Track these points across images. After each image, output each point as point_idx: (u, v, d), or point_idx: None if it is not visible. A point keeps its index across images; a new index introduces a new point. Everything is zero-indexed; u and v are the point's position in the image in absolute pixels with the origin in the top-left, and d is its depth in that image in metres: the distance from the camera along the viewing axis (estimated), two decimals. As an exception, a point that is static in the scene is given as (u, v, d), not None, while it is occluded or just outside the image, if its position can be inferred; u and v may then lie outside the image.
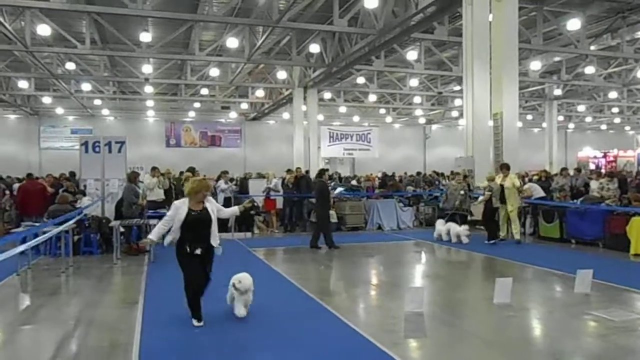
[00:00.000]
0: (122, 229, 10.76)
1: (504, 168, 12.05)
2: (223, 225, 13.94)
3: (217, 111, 34.84)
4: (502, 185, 11.79)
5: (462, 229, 11.93)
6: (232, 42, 17.37)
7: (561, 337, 5.48)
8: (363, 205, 15.48)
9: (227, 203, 13.98)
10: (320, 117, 30.67)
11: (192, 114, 34.15)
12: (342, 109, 33.65)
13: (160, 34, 17.99)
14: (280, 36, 20.01)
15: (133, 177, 11.57)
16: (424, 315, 6.08)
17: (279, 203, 15.15)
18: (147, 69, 21.50)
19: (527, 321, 6.19)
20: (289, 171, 15.81)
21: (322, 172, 12.79)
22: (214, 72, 22.53)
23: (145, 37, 16.33)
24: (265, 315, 6.28)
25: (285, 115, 33.38)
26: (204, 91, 27.83)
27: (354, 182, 20.50)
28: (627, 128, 45.25)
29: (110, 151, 12.49)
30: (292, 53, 20.32)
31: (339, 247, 11.42)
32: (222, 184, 14.52)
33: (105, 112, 32.49)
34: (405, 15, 14.83)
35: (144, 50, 18.35)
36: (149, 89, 26.15)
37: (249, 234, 13.93)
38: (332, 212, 14.81)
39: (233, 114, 34.75)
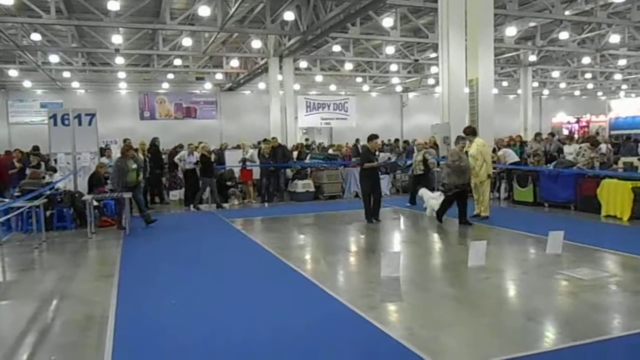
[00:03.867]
0: (95, 203, 10.59)
1: (469, 133, 10.59)
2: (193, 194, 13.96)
3: (191, 82, 34.19)
4: (466, 153, 10.32)
5: (435, 196, 11.98)
6: (204, 11, 16.90)
7: (533, 297, 5.61)
8: (340, 173, 15.50)
9: (191, 174, 13.83)
10: (297, 87, 30.33)
11: (166, 85, 33.45)
12: (319, 78, 33.30)
13: (129, 2, 17.39)
14: (254, 4, 19.54)
15: (125, 150, 11.17)
16: (400, 280, 6.16)
17: (256, 174, 15.05)
18: (117, 39, 20.84)
19: (500, 282, 6.32)
20: (265, 141, 15.67)
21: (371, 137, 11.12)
22: (187, 42, 21.98)
23: (113, 5, 15.76)
24: (241, 283, 6.30)
25: (261, 86, 32.92)
26: (177, 62, 27.17)
27: (331, 151, 20.46)
28: (600, 94, 45.86)
29: (80, 124, 12.19)
30: (266, 21, 19.91)
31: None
32: (184, 154, 14.21)
33: (75, 84, 31.58)
34: (381, -19, 14.61)
35: (112, 20, 17.75)
36: (120, 60, 25.38)
37: (225, 205, 13.86)
38: (309, 182, 14.86)
39: (208, 85, 34.14)
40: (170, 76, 31.39)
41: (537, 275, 6.42)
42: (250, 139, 22.39)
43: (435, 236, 9.78)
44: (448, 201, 10.06)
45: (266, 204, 14.13)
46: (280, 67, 25.40)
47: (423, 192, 12.26)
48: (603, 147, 14.08)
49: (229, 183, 14.65)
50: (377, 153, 11.55)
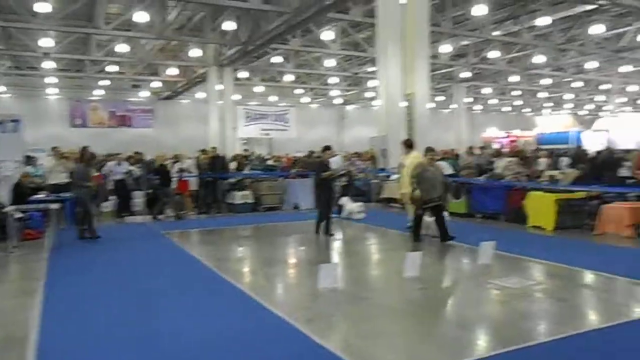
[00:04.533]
0: (19, 215, 9.97)
1: (407, 145, 10.70)
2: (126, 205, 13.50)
3: (126, 89, 33.14)
4: (401, 165, 10.63)
5: (355, 206, 12.35)
6: (141, 17, 16.47)
7: (466, 306, 5.78)
8: (280, 184, 15.44)
9: (121, 185, 13.47)
10: (237, 97, 30.09)
11: (99, 92, 32.25)
12: (259, 89, 33.21)
13: (61, 5, 16.68)
14: (194, 12, 19.29)
15: (86, 157, 10.68)
16: (338, 291, 6.17)
17: (193, 184, 14.71)
18: (46, 42, 19.91)
19: (435, 292, 6.47)
20: (203, 151, 15.39)
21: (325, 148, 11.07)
22: (122, 48, 21.30)
23: (43, 7, 15.04)
24: (174, 298, 6.10)
25: (200, 95, 32.41)
26: (112, 68, 26.28)
27: (270, 162, 20.37)
28: (527, 110, 48.43)
29: (4, 131, 11.49)
30: (206, 30, 19.68)
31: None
32: (112, 165, 13.81)
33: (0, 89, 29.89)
34: (321, -6, 14.79)
35: (42, 22, 16.96)
36: (50, 64, 24.27)
37: (160, 217, 13.47)
38: (248, 193, 14.70)
39: (144, 93, 33.23)
40: (104, 82, 30.31)
41: (469, 284, 6.64)
42: (188, 149, 21.92)
43: (373, 247, 9.91)
44: (419, 218, 9.30)
45: (203, 216, 13.84)
46: (220, 77, 25.12)
47: (345, 200, 12.71)
48: (542, 161, 14.83)
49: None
50: (330, 164, 11.28)
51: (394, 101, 14.48)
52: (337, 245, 9.95)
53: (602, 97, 40.07)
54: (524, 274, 6.97)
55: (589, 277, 6.99)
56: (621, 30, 21.77)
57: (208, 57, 24.54)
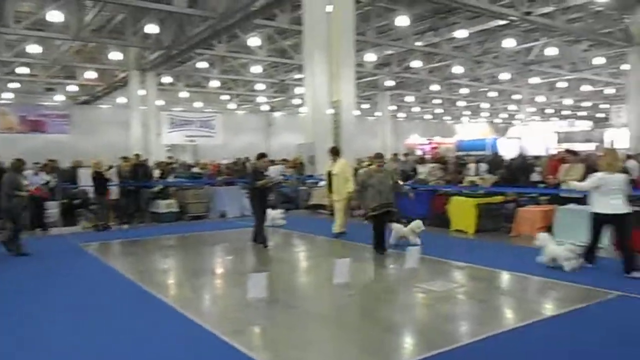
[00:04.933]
0: None
1: (333, 153, 10.84)
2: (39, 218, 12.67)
3: (40, 93, 31.23)
4: (329, 172, 10.67)
5: (276, 213, 12.41)
6: (55, 16, 15.59)
7: (394, 310, 5.89)
8: (206, 192, 15.09)
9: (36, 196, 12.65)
10: (160, 102, 29.22)
11: (8, 95, 30.17)
12: (183, 94, 32.46)
13: (-38, 1, 15.48)
14: (113, 13, 18.53)
15: (17, 166, 9.86)
16: (267, 301, 6.08)
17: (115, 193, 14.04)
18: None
19: (363, 298, 6.54)
20: (124, 158, 14.74)
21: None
22: (34, 48, 20.05)
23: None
24: (92, 315, 5.76)
25: (121, 100, 31.17)
26: (23, 70, 24.66)
27: (195, 169, 19.87)
28: (447, 118, 50.61)
29: None
30: (126, 33, 18.96)
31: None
32: (29, 175, 12.93)
33: None
34: (247, 0, 14.69)
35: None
36: (-50, 64, 22.46)
37: (77, 228, 12.76)
38: (172, 201, 14.24)
39: (59, 97, 31.47)
40: (14, 85, 28.39)
41: (397, 289, 6.78)
42: (108, 156, 20.95)
43: (302, 255, 9.90)
44: (373, 227, 8.97)
45: (125, 226, 13.24)
46: (142, 82, 24.27)
47: None
48: (472, 167, 15.47)
49: (76, 202, 13.51)
50: (266, 171, 10.80)
51: (321, 108, 14.61)
52: (265, 253, 9.83)
53: (514, 107, 42.62)
54: (447, 277, 7.21)
55: (506, 277, 7.35)
56: (530, 44, 23.31)
57: (129, 61, 23.66)
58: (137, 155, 15.07)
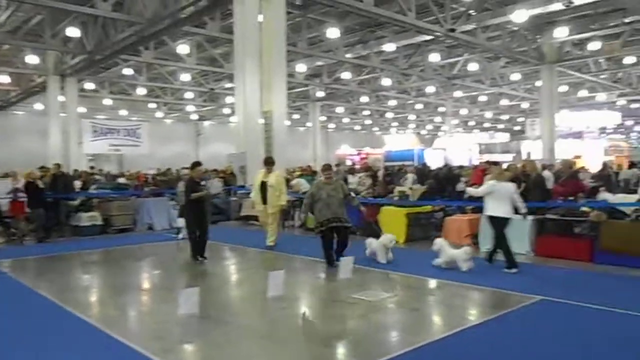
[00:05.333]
0: None
1: (269, 163, 10.53)
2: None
3: (-56, 97, 28.95)
4: (264, 183, 10.31)
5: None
6: (-38, 15, 14.49)
7: (329, 322, 5.86)
8: (132, 204, 14.47)
9: None
10: (82, 110, 27.86)
11: None
12: (107, 102, 31.15)
13: None
14: (30, 14, 17.48)
15: None
16: (199, 317, 5.87)
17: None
18: None
19: (298, 311, 6.46)
20: (43, 168, 13.86)
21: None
22: (-63, 49, 18.54)
23: None
24: (6, 336, 5.31)
25: (39, 106, 29.45)
26: None
27: (121, 180, 19.07)
28: (376, 129, 51.83)
29: None
30: (45, 35, 17.93)
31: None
32: None
33: None
34: (176, 7, 14.36)
35: None
36: None
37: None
38: (95, 214, 13.55)
39: (-32, 102, 29.28)
40: None
41: (331, 300, 6.76)
42: (25, 166, 19.67)
43: (234, 268, 9.69)
44: (322, 242, 8.64)
45: (43, 241, 12.40)
46: (62, 87, 23.02)
47: (181, 221, 12.30)
48: (410, 176, 15.83)
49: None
50: (203, 182, 10.41)
51: (252, 118, 14.47)
52: (196, 267, 9.53)
53: (439, 119, 44.35)
54: (380, 287, 7.29)
55: (435, 285, 7.54)
56: (454, 59, 24.39)
57: (48, 65, 22.38)
58: (57, 165, 14.21)
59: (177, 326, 5.64)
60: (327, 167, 9.12)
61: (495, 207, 8.23)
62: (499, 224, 8.22)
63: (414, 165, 18.97)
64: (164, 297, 7.15)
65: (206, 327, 5.68)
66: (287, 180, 13.12)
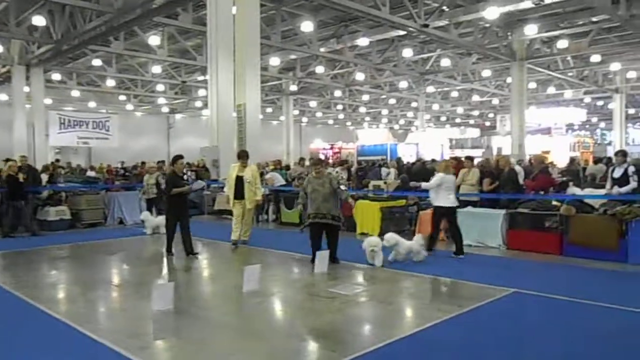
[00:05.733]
0: None
1: (244, 157, 10.25)
2: None
3: None
4: (239, 177, 10.02)
5: (160, 219, 11.80)
6: None
7: (306, 317, 5.84)
8: (102, 198, 14.17)
9: None
10: (48, 101, 27.12)
11: None
12: (75, 93, 30.37)
13: None
14: (-8, 1, 16.87)
15: None
16: (174, 313, 5.79)
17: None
18: None
19: (275, 305, 6.44)
20: (8, 161, 13.42)
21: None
22: None
23: None
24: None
25: (3, 97, 28.52)
26: None
27: (91, 174, 18.65)
28: (349, 123, 51.94)
29: None
30: (9, 24, 17.34)
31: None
32: None
33: None
34: (147, -3, 14.04)
35: None
36: None
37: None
38: (64, 208, 13.23)
39: None
40: None
41: (307, 294, 6.74)
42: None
43: (208, 262, 9.58)
44: (310, 237, 8.48)
45: (8, 236, 12.03)
46: (28, 78, 22.32)
47: (145, 215, 12.32)
48: (392, 171, 15.91)
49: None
50: (185, 176, 10.28)
51: (225, 111, 14.31)
52: (169, 262, 9.40)
53: (412, 114, 44.71)
54: (356, 281, 7.32)
55: (409, 279, 7.58)
56: (426, 55, 24.58)
57: (12, 54, 21.67)
58: (24, 157, 13.78)
59: (152, 322, 5.54)
60: (315, 162, 9.01)
61: (443, 198, 8.94)
62: (447, 213, 9.00)
63: (394, 160, 19.00)
64: (137, 292, 7.01)
65: (182, 323, 5.61)
66: (261, 174, 13.02)
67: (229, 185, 10.26)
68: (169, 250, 9.39)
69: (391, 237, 8.36)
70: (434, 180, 9.12)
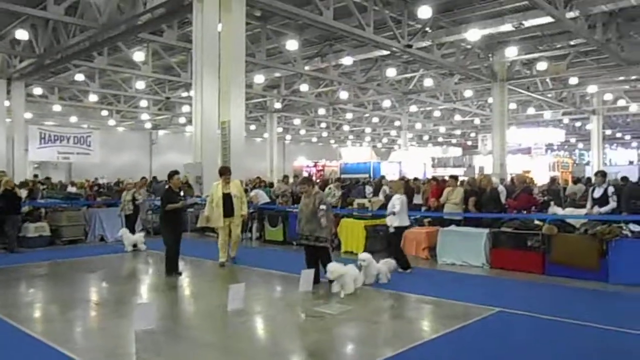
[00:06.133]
0: None
1: (225, 173, 9.97)
2: None
3: None
4: (226, 194, 9.72)
5: (139, 237, 12.16)
6: None
7: (291, 336, 5.80)
8: (83, 214, 13.94)
9: None
10: (29, 115, 26.74)
11: None
12: (57, 108, 30.03)
13: None
14: (-26, 15, 16.70)
15: None
16: (156, 333, 5.68)
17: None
18: None
19: (260, 324, 6.37)
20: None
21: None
22: None
23: None
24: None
25: (-19, 111, 28.06)
26: None
27: (72, 189, 18.36)
28: (332, 141, 52.16)
29: None
30: (-9, 37, 17.17)
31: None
32: None
33: None
34: (132, 13, 14.02)
35: None
36: None
37: None
38: (44, 224, 12.99)
39: None
40: None
41: (293, 313, 6.69)
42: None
43: (191, 280, 9.45)
44: (305, 257, 8.30)
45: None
46: (9, 92, 22.02)
47: (123, 232, 12.26)
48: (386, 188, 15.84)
49: None
50: (181, 192, 9.86)
51: (210, 128, 14.22)
52: (151, 280, 9.27)
53: (395, 132, 45.10)
54: (342, 300, 7.26)
55: (395, 298, 7.57)
56: (410, 75, 24.91)
57: (-7, 68, 21.40)
58: (2, 172, 13.54)
59: (134, 342, 5.42)
60: (303, 181, 8.93)
61: (404, 219, 9.10)
62: (400, 232, 9.18)
63: (383, 177, 19.01)
64: (119, 311, 6.88)
65: (164, 342, 5.51)
66: (245, 192, 12.94)
67: (215, 204, 9.77)
68: (174, 270, 9.01)
69: (366, 256, 8.02)
70: (399, 202, 9.00)
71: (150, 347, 5.31)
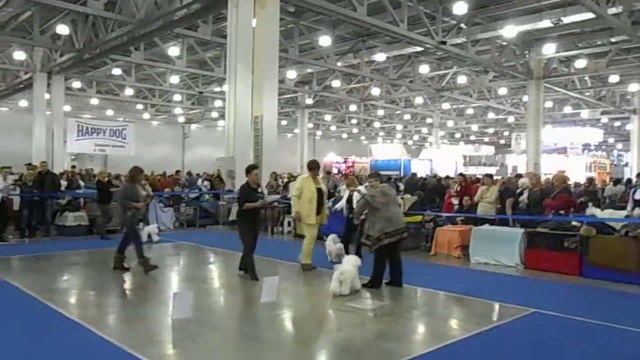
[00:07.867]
0: None
1: (315, 167, 9.07)
2: None
3: None
4: (318, 190, 8.79)
5: (152, 227, 12.38)
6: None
7: (325, 330, 5.84)
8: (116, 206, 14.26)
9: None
10: (67, 108, 27.48)
11: None
12: (94, 101, 30.78)
13: None
14: (20, 10, 17.23)
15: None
16: (193, 322, 5.79)
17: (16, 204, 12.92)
18: None
19: (293, 317, 6.42)
20: (29, 166, 13.62)
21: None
22: None
23: None
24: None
25: (23, 103, 28.99)
26: None
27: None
28: (363, 138, 52.01)
29: None
30: (34, 31, 17.67)
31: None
32: None
33: None
34: (169, 9, 14.26)
35: None
36: None
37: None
38: (82, 214, 13.36)
39: (-50, 97, 28.67)
40: None
41: (326, 307, 6.71)
42: (9, 163, 19.35)
43: (224, 272, 9.58)
44: (380, 259, 7.64)
45: (27, 240, 12.16)
46: (49, 85, 22.67)
47: (150, 228, 12.45)
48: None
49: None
50: (259, 189, 8.61)
51: (243, 122, 14.35)
52: (186, 271, 9.44)
53: (426, 130, 44.68)
54: (375, 295, 7.26)
55: (428, 295, 7.54)
56: (443, 72, 24.62)
57: (35, 62, 22.05)
58: (44, 163, 13.98)
59: (172, 331, 5.55)
60: (371, 175, 8.38)
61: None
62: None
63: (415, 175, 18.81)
64: (156, 300, 7.05)
65: (200, 332, 5.60)
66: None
67: (306, 199, 8.71)
68: (250, 271, 8.14)
69: (345, 269, 7.16)
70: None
71: (187, 336, 5.41)
